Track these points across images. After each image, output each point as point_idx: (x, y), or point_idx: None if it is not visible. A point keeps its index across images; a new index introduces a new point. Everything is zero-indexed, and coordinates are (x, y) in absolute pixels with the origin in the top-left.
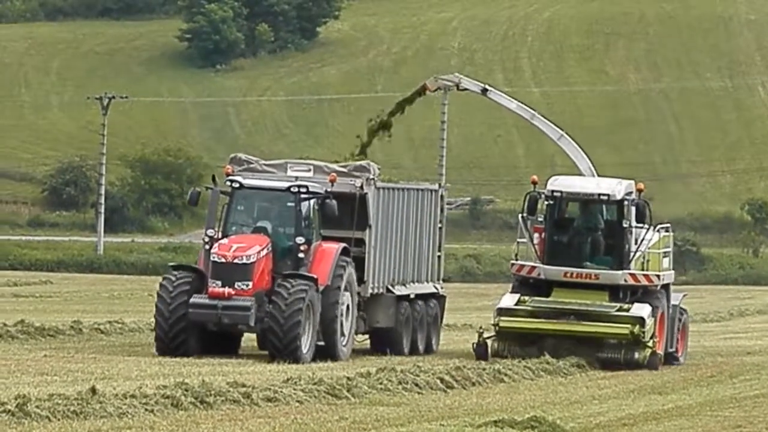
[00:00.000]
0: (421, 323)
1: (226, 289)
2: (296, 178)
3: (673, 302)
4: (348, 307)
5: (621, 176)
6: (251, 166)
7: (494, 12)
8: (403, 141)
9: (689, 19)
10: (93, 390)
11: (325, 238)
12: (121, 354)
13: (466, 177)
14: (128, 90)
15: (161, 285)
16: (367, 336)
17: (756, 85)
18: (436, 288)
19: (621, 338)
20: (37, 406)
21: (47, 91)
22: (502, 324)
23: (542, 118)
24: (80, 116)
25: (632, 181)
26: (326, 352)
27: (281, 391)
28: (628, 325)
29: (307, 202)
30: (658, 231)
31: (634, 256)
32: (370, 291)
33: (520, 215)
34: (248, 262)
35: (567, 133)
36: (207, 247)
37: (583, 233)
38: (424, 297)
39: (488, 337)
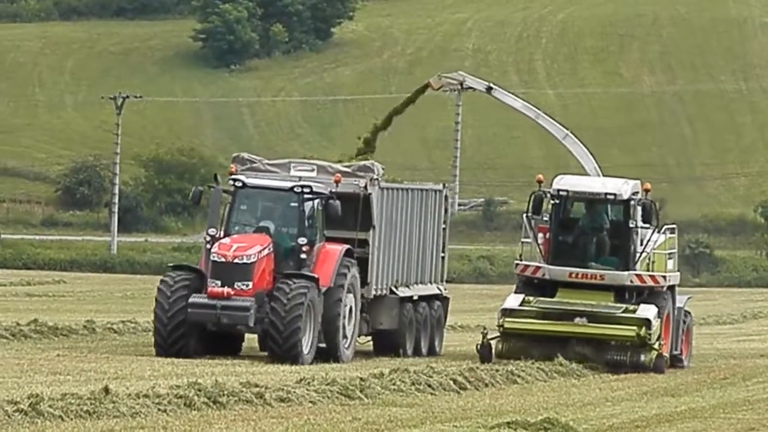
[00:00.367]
0: (425, 325)
1: (226, 289)
2: (299, 178)
3: (678, 304)
4: (351, 308)
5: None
6: (254, 165)
7: (509, 13)
8: (417, 142)
9: (703, 21)
10: (106, 390)
11: (328, 239)
12: (134, 354)
13: (480, 178)
14: (142, 90)
15: (160, 285)
16: (369, 338)
17: None
18: (440, 289)
19: (627, 340)
20: (50, 406)
21: (61, 90)
22: (506, 325)
23: (547, 117)
24: (94, 116)
25: (638, 181)
26: (328, 354)
27: (294, 392)
28: (635, 327)
29: (310, 203)
30: (663, 232)
31: (639, 256)
32: (373, 292)
33: (524, 215)
34: (248, 262)
35: (572, 133)
36: (208, 246)
37: (588, 233)
38: (428, 298)
39: (492, 338)
